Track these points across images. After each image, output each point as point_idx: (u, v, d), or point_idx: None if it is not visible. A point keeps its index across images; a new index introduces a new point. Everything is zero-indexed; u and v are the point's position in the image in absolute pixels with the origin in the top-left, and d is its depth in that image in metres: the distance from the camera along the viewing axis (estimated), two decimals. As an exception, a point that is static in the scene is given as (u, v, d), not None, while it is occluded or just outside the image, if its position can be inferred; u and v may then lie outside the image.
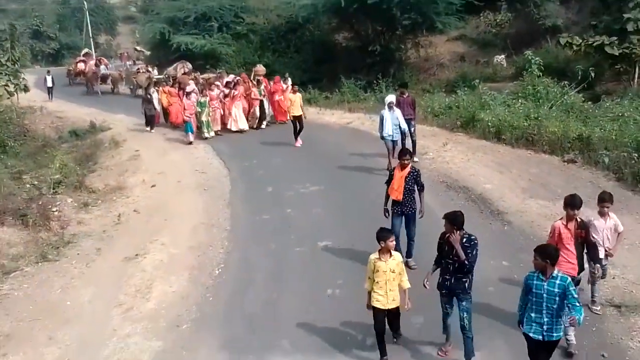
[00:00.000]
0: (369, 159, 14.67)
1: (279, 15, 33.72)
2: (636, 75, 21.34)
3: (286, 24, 32.69)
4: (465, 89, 21.15)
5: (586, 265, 7.04)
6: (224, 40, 33.06)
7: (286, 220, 11.18)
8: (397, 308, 6.61)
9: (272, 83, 20.57)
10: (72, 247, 10.60)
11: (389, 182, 8.82)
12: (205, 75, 25.10)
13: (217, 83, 20.52)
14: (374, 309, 6.53)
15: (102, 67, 35.11)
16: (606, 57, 21.45)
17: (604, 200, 7.23)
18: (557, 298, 5.42)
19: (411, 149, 12.75)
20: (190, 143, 17.99)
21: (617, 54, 20.96)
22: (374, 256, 6.53)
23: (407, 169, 8.63)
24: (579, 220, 6.74)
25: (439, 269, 6.49)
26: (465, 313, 6.30)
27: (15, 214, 11.50)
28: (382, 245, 6.38)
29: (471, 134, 16.38)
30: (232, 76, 22.45)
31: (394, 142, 12.94)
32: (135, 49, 47.11)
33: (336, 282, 8.42)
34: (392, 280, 6.44)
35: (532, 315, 5.56)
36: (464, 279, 6.27)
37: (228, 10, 34.10)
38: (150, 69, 31.06)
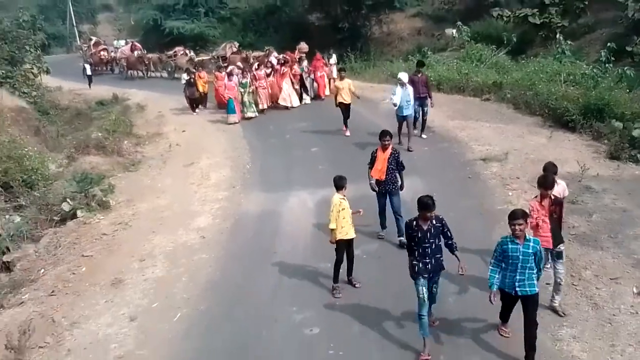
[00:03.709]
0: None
1: (258, -1, 39.63)
2: (557, 41, 27.61)
3: (265, 7, 38.59)
4: (419, 56, 27.32)
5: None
6: (211, 23, 38.86)
7: (287, 141, 17.33)
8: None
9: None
10: (143, 164, 16.47)
11: (371, 163, 9.59)
12: (256, 54, 27.87)
13: (272, 58, 23.11)
14: (339, 243, 8.07)
15: (137, 52, 36.22)
16: (531, 26, 27.77)
17: (546, 170, 7.85)
18: (530, 258, 6.33)
19: (422, 127, 15.46)
20: (233, 123, 20.13)
21: (538, 22, 27.27)
22: (338, 197, 7.98)
23: (389, 150, 9.42)
24: (552, 197, 7.40)
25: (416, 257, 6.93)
26: (435, 285, 7.14)
27: (96, 146, 17.27)
28: (339, 189, 8.09)
29: (419, 87, 22.53)
30: (275, 54, 24.97)
31: (405, 117, 14.56)
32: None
33: (324, 163, 14.56)
34: (350, 214, 8.14)
35: (507, 274, 6.43)
36: (440, 257, 6.95)
37: (213, -3, 39.72)
38: (187, 51, 33.21)
